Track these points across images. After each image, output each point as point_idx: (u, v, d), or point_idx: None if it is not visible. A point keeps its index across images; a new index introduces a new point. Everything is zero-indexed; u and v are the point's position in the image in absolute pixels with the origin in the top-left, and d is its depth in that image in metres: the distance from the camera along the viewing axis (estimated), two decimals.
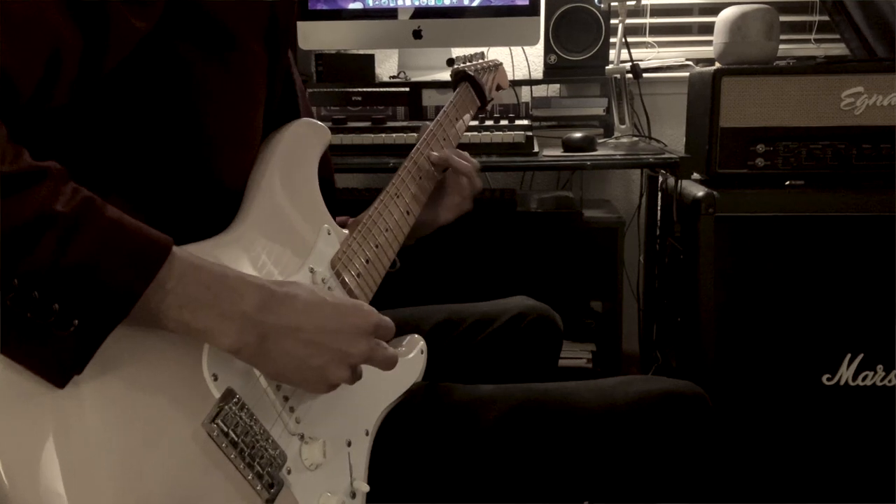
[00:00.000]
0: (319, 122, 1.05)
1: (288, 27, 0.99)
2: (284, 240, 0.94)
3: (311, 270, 0.95)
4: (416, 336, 1.10)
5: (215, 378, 0.80)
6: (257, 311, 0.79)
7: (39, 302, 0.66)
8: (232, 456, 0.78)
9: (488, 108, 1.55)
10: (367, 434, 0.98)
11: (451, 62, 1.46)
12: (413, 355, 1.07)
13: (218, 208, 0.90)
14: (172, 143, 0.85)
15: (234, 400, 0.80)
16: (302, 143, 1.01)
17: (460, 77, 1.41)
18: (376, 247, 1.06)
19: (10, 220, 0.65)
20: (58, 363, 0.68)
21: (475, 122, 1.83)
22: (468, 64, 1.44)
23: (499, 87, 1.53)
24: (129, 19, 0.76)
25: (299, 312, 0.83)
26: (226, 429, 0.78)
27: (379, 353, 0.89)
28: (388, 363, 0.91)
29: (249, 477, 0.80)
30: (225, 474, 0.79)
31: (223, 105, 0.88)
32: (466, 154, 1.27)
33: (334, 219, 1.04)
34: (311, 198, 1.01)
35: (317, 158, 1.02)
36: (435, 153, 1.22)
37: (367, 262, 1.04)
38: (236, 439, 0.79)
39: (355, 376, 0.89)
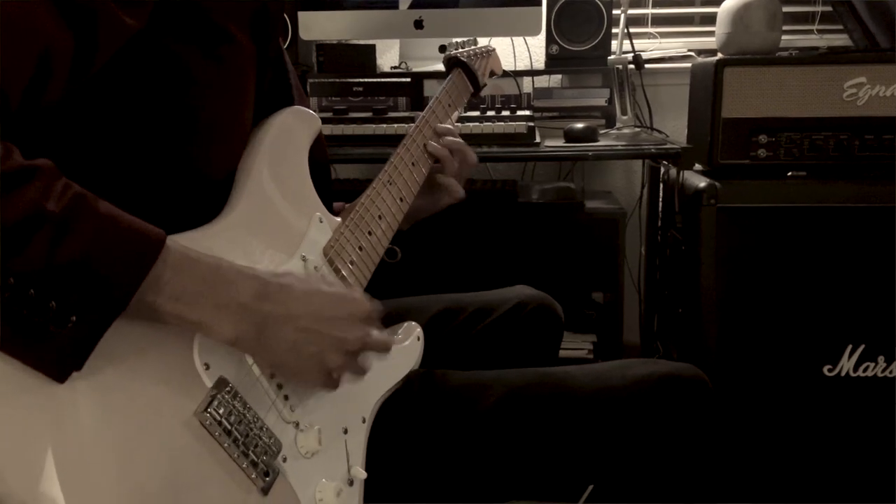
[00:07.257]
0: (308, 110, 1.04)
1: (278, 16, 0.99)
2: (275, 228, 0.94)
3: (304, 258, 0.95)
4: (413, 323, 1.10)
5: (207, 367, 0.80)
6: (254, 300, 0.80)
7: (36, 300, 0.66)
8: (226, 444, 0.79)
9: (483, 94, 1.54)
10: (363, 421, 0.98)
11: (443, 49, 1.45)
12: (409, 342, 1.07)
13: (208, 199, 0.90)
14: (163, 136, 0.85)
15: (227, 388, 0.80)
16: (290, 131, 1.00)
17: (453, 63, 1.40)
18: (369, 234, 1.05)
19: (2, 221, 0.65)
20: (57, 359, 0.68)
21: (476, 113, 1.83)
22: (460, 50, 1.42)
23: (492, 74, 1.52)
24: (119, 17, 0.76)
25: (295, 301, 0.84)
26: (219, 417, 0.78)
27: (373, 338, 0.90)
28: (383, 346, 0.94)
29: (244, 465, 0.80)
30: (220, 463, 0.79)
31: (215, 98, 0.88)
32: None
33: (332, 203, 1.03)
34: (302, 186, 1.00)
35: (306, 146, 1.01)
36: (432, 144, 1.21)
37: (361, 249, 1.03)
38: (230, 428, 0.79)
39: (355, 365, 0.90)
